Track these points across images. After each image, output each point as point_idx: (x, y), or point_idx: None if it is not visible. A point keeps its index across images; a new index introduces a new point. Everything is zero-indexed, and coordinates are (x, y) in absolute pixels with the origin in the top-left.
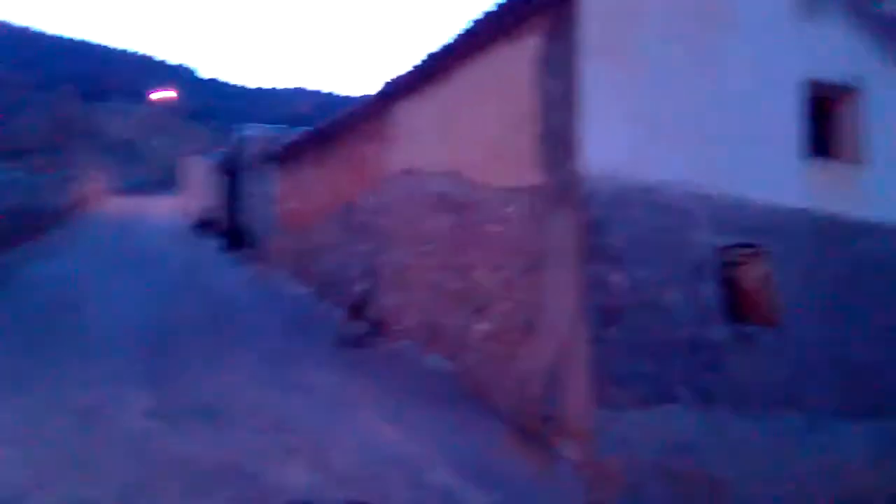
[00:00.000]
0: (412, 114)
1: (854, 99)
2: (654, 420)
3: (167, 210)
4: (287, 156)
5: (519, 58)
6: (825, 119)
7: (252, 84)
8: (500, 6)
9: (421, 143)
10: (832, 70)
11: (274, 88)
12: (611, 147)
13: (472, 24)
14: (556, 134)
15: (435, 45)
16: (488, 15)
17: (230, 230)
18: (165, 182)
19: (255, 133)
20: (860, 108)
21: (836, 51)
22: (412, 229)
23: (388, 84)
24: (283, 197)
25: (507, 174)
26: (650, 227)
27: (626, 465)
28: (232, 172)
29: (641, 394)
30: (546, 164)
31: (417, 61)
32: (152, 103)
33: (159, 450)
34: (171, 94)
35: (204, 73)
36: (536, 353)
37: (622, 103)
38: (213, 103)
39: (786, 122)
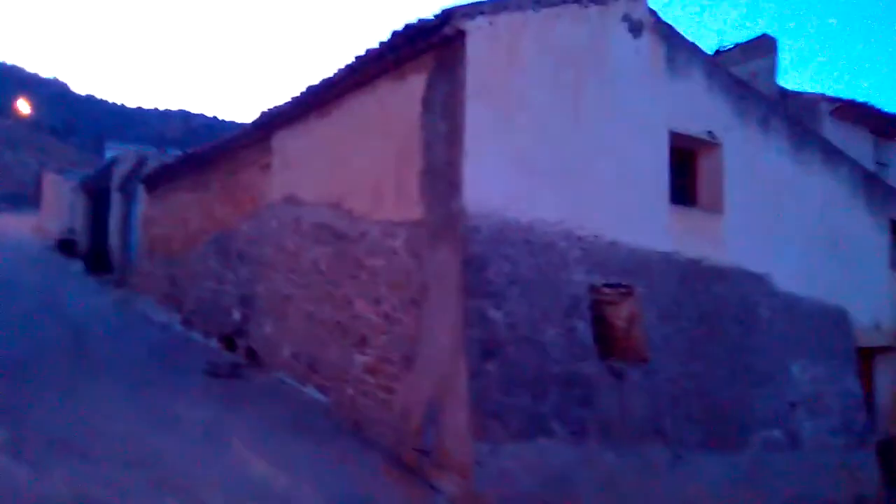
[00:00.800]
0: (294, 143)
1: (713, 151)
2: (531, 453)
3: (24, 229)
4: (158, 178)
5: (404, 95)
6: (688, 170)
7: (127, 103)
8: (384, 45)
9: (303, 173)
10: (695, 124)
11: (148, 108)
12: (491, 186)
13: (355, 60)
14: (439, 171)
15: (317, 77)
16: (372, 52)
17: (93, 252)
18: (22, 199)
19: (125, 153)
20: (719, 161)
21: (699, 106)
22: (292, 259)
23: (267, 113)
24: (152, 221)
25: (389, 208)
26: (528, 265)
27: (502, 499)
28: (97, 192)
29: (518, 428)
30: (428, 199)
31: (298, 92)
32: (11, 115)
33: (11, 488)
34: (26, 106)
35: (77, 88)
36: (416, 386)
37: (503, 144)
38: (84, 120)
39: (653, 170)
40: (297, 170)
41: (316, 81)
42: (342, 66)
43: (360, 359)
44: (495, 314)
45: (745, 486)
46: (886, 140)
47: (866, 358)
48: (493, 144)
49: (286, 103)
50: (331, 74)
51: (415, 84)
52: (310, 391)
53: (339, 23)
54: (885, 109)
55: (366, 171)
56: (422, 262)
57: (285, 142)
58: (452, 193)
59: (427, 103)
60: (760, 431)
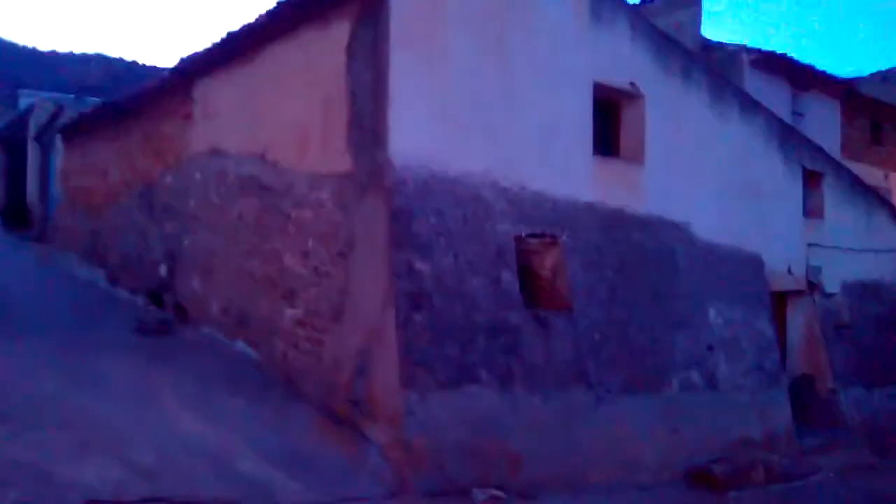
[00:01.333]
0: (216, 92)
1: (636, 103)
2: (459, 401)
3: None
4: (78, 129)
5: (328, 43)
6: (611, 120)
7: (41, 46)
8: None
9: (226, 123)
10: (618, 75)
11: (64, 52)
12: (417, 138)
13: (276, 5)
14: (365, 122)
15: (238, 23)
16: None
17: (10, 208)
18: None
19: (41, 101)
20: (641, 112)
21: (622, 58)
22: (217, 213)
23: (186, 60)
24: (71, 173)
25: (316, 160)
26: (454, 217)
27: (432, 446)
28: (12, 144)
29: (446, 376)
30: (355, 151)
31: (218, 39)
32: None
33: None
34: None
35: None
36: (346, 338)
37: (428, 96)
38: None
39: (577, 121)
40: (220, 120)
41: (237, 28)
42: (264, 12)
43: (289, 312)
44: (423, 266)
45: (664, 425)
46: (802, 91)
47: (779, 301)
48: (418, 95)
49: (206, 50)
50: (252, 20)
51: (339, 32)
52: (240, 346)
53: None
54: (802, 61)
55: (291, 122)
56: (349, 214)
57: (207, 91)
58: (378, 145)
59: (352, 52)
60: (679, 373)
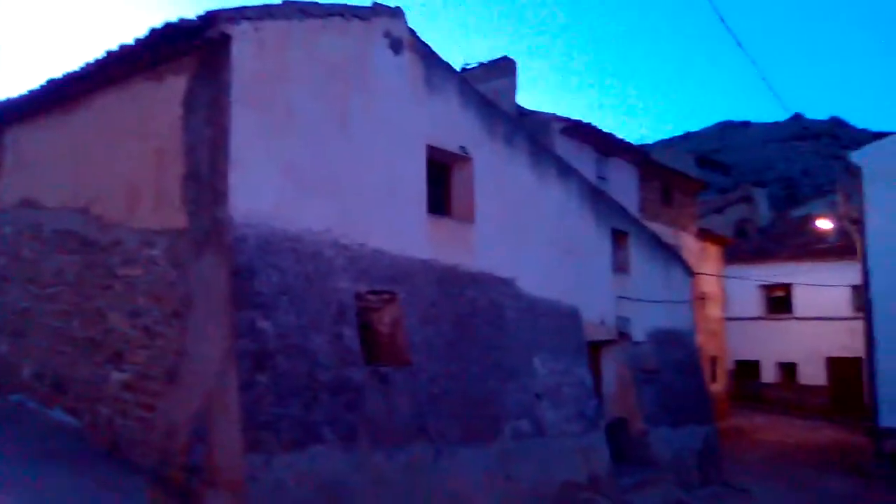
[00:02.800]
0: (32, 141)
1: (465, 165)
2: (303, 462)
3: None
4: None
5: (164, 96)
6: (443, 182)
7: None
8: (141, 42)
9: (42, 174)
10: (449, 139)
11: None
12: (258, 195)
13: (106, 55)
14: (203, 177)
15: (59, 71)
16: (127, 49)
17: None
18: None
19: None
20: (470, 174)
21: (453, 122)
22: (30, 269)
23: None
24: None
25: (147, 215)
26: (295, 274)
27: None
28: None
29: (290, 437)
30: (191, 207)
31: (37, 85)
32: None
33: None
34: None
35: None
36: (181, 402)
37: (270, 153)
38: None
39: (413, 181)
40: (35, 170)
41: (59, 75)
42: (91, 61)
43: (116, 376)
44: (265, 324)
45: (498, 473)
46: (605, 157)
47: (594, 350)
48: (260, 152)
49: (22, 96)
50: (77, 68)
51: (175, 85)
52: (57, 414)
53: (95, 19)
54: (604, 130)
55: (119, 175)
56: (185, 272)
57: (20, 139)
58: (218, 201)
59: (189, 106)
60: (511, 422)
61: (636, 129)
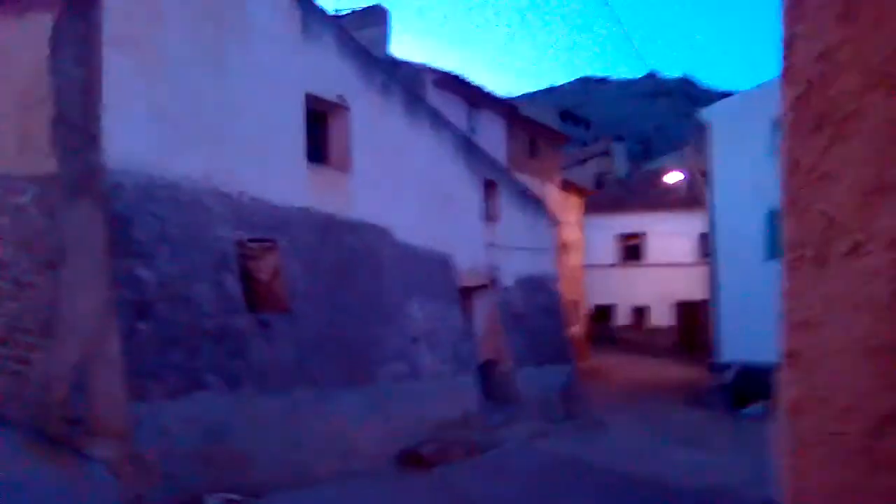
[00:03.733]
0: None
1: (343, 114)
2: (188, 408)
3: None
4: None
5: (28, 34)
6: (320, 130)
7: None
8: None
9: None
10: (327, 87)
11: None
12: (133, 140)
13: None
14: (74, 121)
15: None
16: None
17: None
18: None
19: None
20: (347, 123)
21: (330, 71)
22: None
23: None
24: None
25: (12, 160)
26: (175, 223)
27: (163, 456)
28: None
29: (175, 384)
30: (61, 152)
31: None
32: None
33: None
34: None
35: None
36: (58, 354)
37: (145, 98)
38: None
39: (291, 130)
40: None
41: None
42: None
43: None
44: (145, 273)
45: (378, 413)
46: (475, 109)
47: (466, 296)
48: (134, 96)
49: None
50: None
51: (39, 24)
52: None
53: None
54: (474, 83)
55: None
56: (57, 220)
57: None
58: (91, 146)
59: (56, 45)
60: (388, 365)
61: (502, 83)
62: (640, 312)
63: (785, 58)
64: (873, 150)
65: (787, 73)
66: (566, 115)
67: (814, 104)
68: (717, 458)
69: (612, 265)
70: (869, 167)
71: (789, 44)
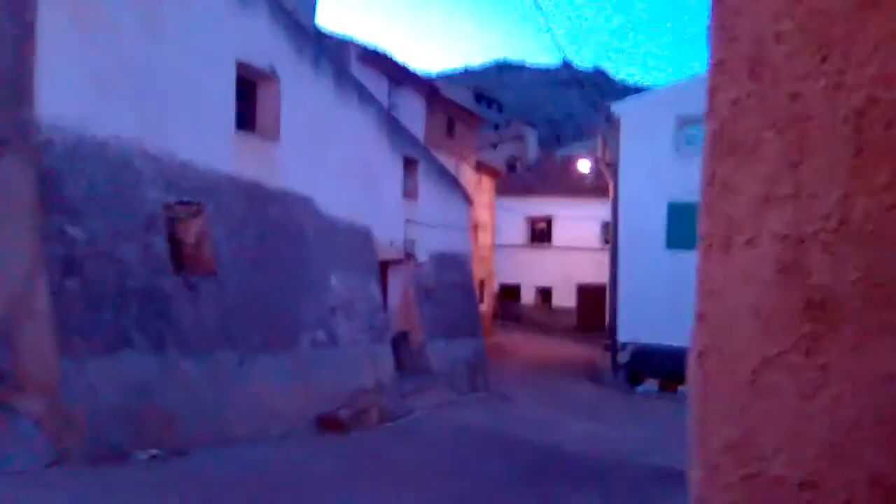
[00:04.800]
0: None
1: (273, 84)
2: (115, 366)
3: None
4: None
5: None
6: (249, 98)
7: None
8: None
9: None
10: (259, 57)
11: None
12: (66, 97)
13: None
14: (4, 76)
15: None
16: None
17: None
18: None
19: None
20: (277, 93)
21: (261, 40)
22: None
23: None
24: None
25: None
26: (105, 182)
27: (90, 413)
28: None
29: (102, 342)
30: None
31: None
32: None
33: None
34: None
35: None
36: None
37: (79, 56)
38: None
39: (222, 96)
40: None
41: None
42: None
43: None
44: (74, 231)
45: (297, 379)
46: (397, 86)
47: (383, 269)
48: (67, 54)
49: None
50: None
51: None
52: None
53: None
54: (397, 60)
55: None
56: None
57: None
58: (22, 102)
59: None
60: (308, 333)
61: (419, 60)
62: (544, 293)
63: (708, 101)
64: (766, 172)
65: (709, 112)
66: (480, 97)
67: (726, 137)
68: (613, 430)
69: (521, 246)
70: (762, 184)
71: (712, 91)
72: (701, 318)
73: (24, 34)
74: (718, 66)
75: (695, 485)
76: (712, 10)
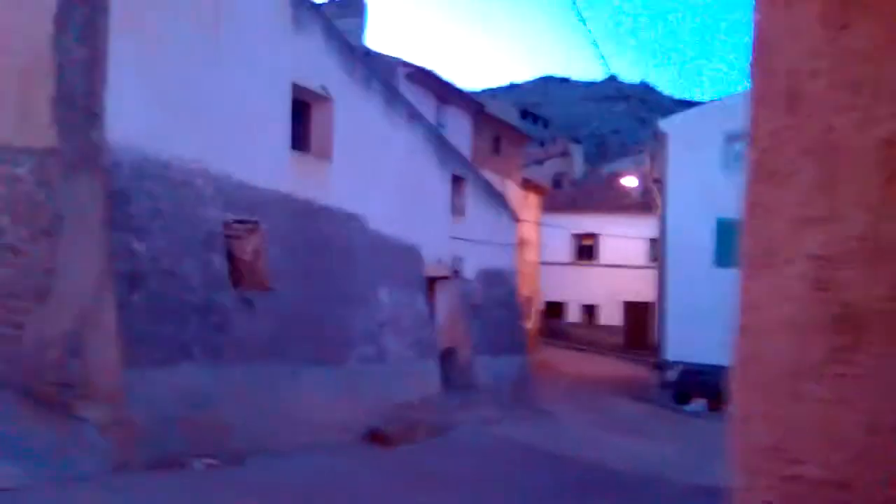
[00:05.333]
0: None
1: (326, 105)
2: (175, 377)
3: None
4: None
5: (33, 11)
6: (303, 119)
7: None
8: None
9: None
10: (313, 78)
11: None
12: (133, 120)
13: None
14: (76, 99)
15: None
16: None
17: None
18: None
19: None
20: (330, 113)
21: (317, 62)
22: None
23: None
24: None
25: (11, 132)
26: (167, 200)
27: (152, 421)
28: None
29: (164, 354)
30: (62, 128)
31: None
32: None
33: None
34: None
35: None
36: (53, 320)
37: (145, 78)
38: None
39: (279, 117)
40: None
41: None
42: None
43: None
44: (139, 247)
45: (346, 392)
46: (444, 104)
47: (431, 285)
48: (134, 77)
49: None
50: None
51: (44, 2)
52: None
53: None
54: (445, 79)
55: None
56: (54, 192)
57: None
58: (93, 124)
59: (62, 24)
60: (357, 347)
61: (465, 77)
62: (590, 310)
63: (751, 131)
64: (801, 198)
65: (751, 142)
66: (526, 113)
67: (766, 164)
68: (658, 448)
69: (566, 263)
70: (798, 209)
71: (753, 122)
72: (743, 330)
73: (95, 59)
74: (758, 100)
75: (736, 487)
76: (752, 47)
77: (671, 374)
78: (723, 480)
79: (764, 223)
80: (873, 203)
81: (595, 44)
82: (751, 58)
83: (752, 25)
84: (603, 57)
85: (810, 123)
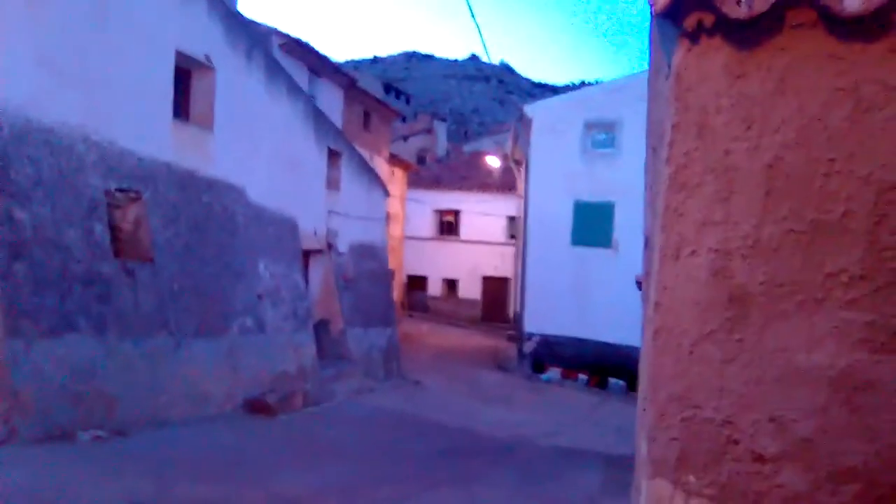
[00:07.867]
0: None
1: (208, 74)
2: (60, 349)
3: None
4: None
5: None
6: (184, 87)
7: None
8: None
9: None
10: (196, 47)
11: None
12: (15, 83)
13: None
14: None
15: None
16: None
17: None
18: None
19: None
20: (212, 83)
21: (200, 31)
22: None
23: None
24: None
25: None
26: (50, 167)
27: (37, 393)
28: None
29: (48, 325)
30: None
31: None
32: None
33: None
34: None
35: None
36: None
37: (25, 41)
38: None
39: (161, 85)
40: None
41: None
42: None
43: None
44: (21, 215)
45: (227, 364)
46: (317, 77)
47: (306, 258)
48: (15, 39)
49: None
50: None
51: None
52: None
53: None
54: (320, 50)
55: None
56: None
57: None
58: None
59: None
60: (238, 319)
61: (331, 47)
62: (451, 284)
63: (668, 152)
64: (704, 205)
65: (668, 160)
66: (389, 88)
67: (679, 178)
68: (519, 415)
69: (429, 238)
70: (701, 213)
71: (670, 144)
72: (657, 306)
73: None
74: (675, 127)
75: (646, 426)
76: (671, 87)
77: (529, 346)
78: (580, 443)
79: (675, 223)
80: (757, 211)
81: (473, 17)
82: (670, 94)
83: (671, 70)
84: (484, 42)
85: (713, 148)
